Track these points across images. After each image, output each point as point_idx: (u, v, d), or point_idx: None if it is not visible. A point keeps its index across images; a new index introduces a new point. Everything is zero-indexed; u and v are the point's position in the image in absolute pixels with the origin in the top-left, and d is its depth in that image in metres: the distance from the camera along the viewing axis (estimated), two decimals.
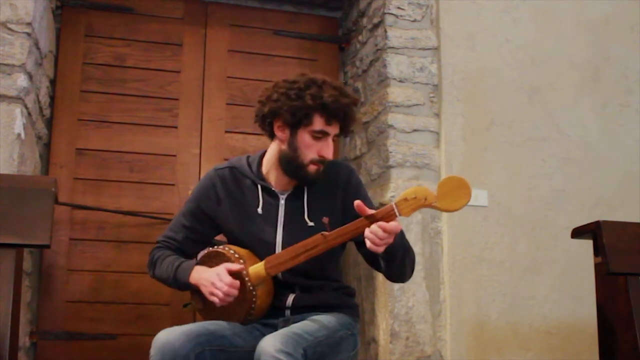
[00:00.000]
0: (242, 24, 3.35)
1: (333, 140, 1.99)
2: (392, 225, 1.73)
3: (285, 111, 1.93)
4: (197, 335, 1.77)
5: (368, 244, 1.76)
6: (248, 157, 2.10)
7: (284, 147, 1.98)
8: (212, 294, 1.86)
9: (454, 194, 1.75)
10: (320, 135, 1.95)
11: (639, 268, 2.12)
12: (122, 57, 3.15)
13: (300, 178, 1.98)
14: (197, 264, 1.99)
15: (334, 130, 1.97)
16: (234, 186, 2.04)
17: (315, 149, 1.95)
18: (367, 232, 1.76)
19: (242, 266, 1.88)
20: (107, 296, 2.94)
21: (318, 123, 1.94)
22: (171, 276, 1.98)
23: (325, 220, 1.83)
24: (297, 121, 1.94)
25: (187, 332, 1.77)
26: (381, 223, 1.74)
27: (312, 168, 1.96)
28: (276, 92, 1.97)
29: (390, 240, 1.76)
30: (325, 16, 3.52)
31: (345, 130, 2.03)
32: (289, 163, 1.97)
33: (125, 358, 2.88)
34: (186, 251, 2.07)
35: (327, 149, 1.96)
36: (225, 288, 1.84)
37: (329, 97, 1.91)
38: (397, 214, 1.76)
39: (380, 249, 1.76)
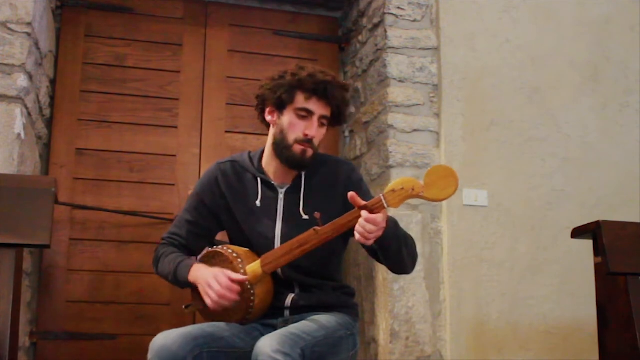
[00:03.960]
0: (242, 24, 3.35)
1: (322, 124, 1.99)
2: (376, 216, 1.73)
3: (268, 91, 1.99)
4: (195, 338, 1.77)
5: (357, 236, 1.76)
6: (250, 153, 2.12)
7: (275, 131, 2.02)
8: (207, 294, 1.86)
9: (441, 183, 1.75)
10: (304, 114, 1.96)
11: (639, 268, 2.12)
12: (122, 57, 3.15)
13: (287, 160, 1.98)
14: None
15: (318, 109, 1.97)
16: (235, 180, 2.05)
17: (300, 128, 1.96)
18: (357, 226, 1.76)
19: (245, 277, 1.87)
20: (107, 296, 2.94)
21: (299, 100, 1.96)
22: (172, 273, 1.98)
23: (317, 215, 1.82)
24: (280, 100, 1.97)
25: (185, 334, 1.76)
26: (369, 216, 1.74)
27: (298, 148, 1.96)
28: (266, 79, 2.03)
29: (380, 232, 1.75)
30: (325, 16, 3.52)
31: (336, 115, 2.02)
32: (278, 145, 1.99)
33: (125, 358, 2.88)
34: (191, 247, 2.07)
35: (312, 128, 1.96)
36: (220, 291, 1.83)
37: (307, 73, 1.95)
38: (385, 205, 1.75)
39: (369, 242, 1.76)
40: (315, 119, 1.97)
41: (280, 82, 1.97)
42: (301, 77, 1.95)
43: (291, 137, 1.96)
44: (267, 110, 2.03)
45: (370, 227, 1.73)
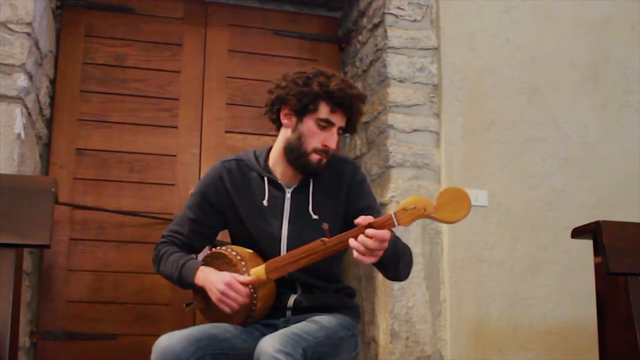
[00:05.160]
0: (242, 24, 3.35)
1: (339, 133, 2.00)
2: (384, 233, 1.71)
3: (292, 96, 1.96)
4: (198, 339, 1.77)
5: (355, 254, 1.73)
6: (255, 151, 2.11)
7: (289, 135, 2.00)
8: (224, 303, 1.85)
9: (453, 205, 1.73)
10: (325, 124, 1.96)
11: (639, 268, 2.12)
12: (122, 57, 3.15)
13: (302, 167, 1.99)
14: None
15: (339, 121, 1.98)
16: (240, 178, 2.04)
17: (320, 138, 1.96)
18: (352, 242, 1.72)
19: (251, 278, 1.87)
20: (107, 296, 2.94)
21: (323, 111, 1.95)
22: (176, 274, 1.97)
23: (325, 226, 1.81)
24: (303, 107, 1.96)
25: (188, 336, 1.76)
26: (375, 232, 1.70)
27: (315, 157, 1.97)
28: (285, 80, 2.00)
29: (380, 253, 1.73)
30: (325, 16, 3.52)
31: (351, 125, 2.03)
32: (293, 151, 1.98)
33: (125, 358, 2.88)
34: (192, 245, 2.06)
35: (331, 139, 1.97)
36: (241, 299, 1.84)
37: (336, 85, 1.93)
38: (395, 223, 1.73)
39: (368, 260, 1.72)
40: (335, 129, 1.98)
41: (306, 90, 1.94)
42: (330, 89, 1.93)
43: (310, 145, 1.96)
44: (284, 112, 2.01)
45: (371, 243, 1.70)
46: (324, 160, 1.99)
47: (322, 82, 1.94)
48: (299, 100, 1.95)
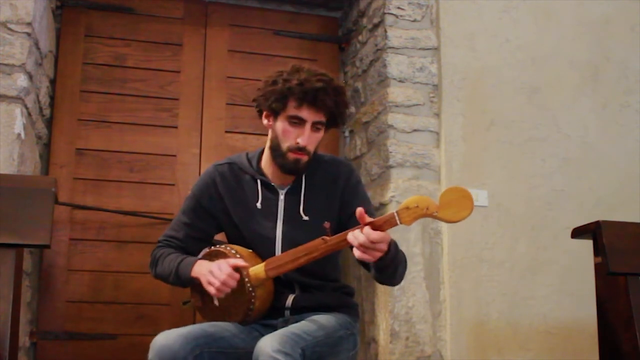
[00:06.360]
0: (242, 24, 3.35)
1: (317, 129, 1.95)
2: (378, 235, 1.68)
3: (262, 97, 1.97)
4: (196, 338, 1.77)
5: (357, 253, 1.71)
6: (247, 154, 2.11)
7: (271, 135, 2.00)
8: (209, 282, 1.85)
9: (456, 204, 1.72)
10: (296, 121, 1.93)
11: (639, 268, 2.12)
12: (122, 57, 3.15)
13: (282, 167, 1.97)
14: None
15: (310, 116, 1.93)
16: (233, 182, 2.04)
17: (293, 136, 1.94)
18: (349, 236, 1.71)
19: (246, 264, 1.88)
20: (107, 296, 2.94)
21: (291, 108, 1.93)
22: (173, 272, 1.97)
23: (327, 225, 1.80)
24: (273, 107, 1.95)
25: (185, 334, 1.76)
26: (367, 232, 1.68)
27: (291, 156, 1.94)
28: (264, 81, 2.00)
29: (378, 254, 1.70)
30: (325, 16, 3.52)
31: (331, 120, 1.98)
32: (274, 151, 1.98)
33: (125, 358, 2.88)
34: (188, 249, 2.06)
35: (304, 137, 1.93)
36: (223, 277, 1.82)
37: (297, 80, 1.90)
38: (398, 222, 1.72)
39: (366, 257, 1.70)
40: (308, 126, 1.94)
41: (272, 89, 1.93)
42: (291, 85, 1.90)
43: (284, 144, 1.95)
44: (264, 114, 2.01)
45: (363, 239, 1.67)
46: (303, 159, 1.95)
47: (286, 78, 1.92)
48: (267, 100, 1.95)
